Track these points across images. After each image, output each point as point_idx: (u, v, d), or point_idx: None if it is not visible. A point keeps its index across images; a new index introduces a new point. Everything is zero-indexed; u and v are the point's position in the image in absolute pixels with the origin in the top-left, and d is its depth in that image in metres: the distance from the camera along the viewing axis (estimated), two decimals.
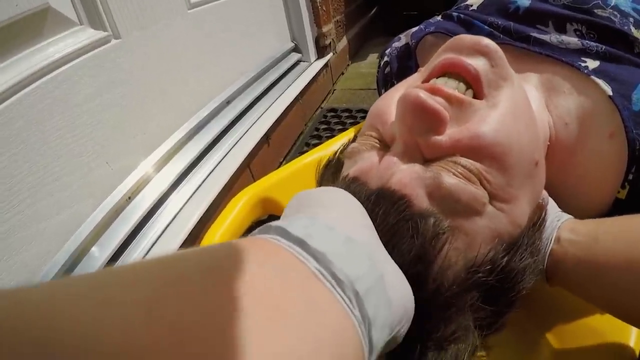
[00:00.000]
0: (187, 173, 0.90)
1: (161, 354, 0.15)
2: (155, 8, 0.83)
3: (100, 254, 0.68)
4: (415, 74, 0.47)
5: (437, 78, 0.41)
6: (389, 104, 0.42)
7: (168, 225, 0.79)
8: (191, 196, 0.86)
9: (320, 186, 0.45)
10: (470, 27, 0.62)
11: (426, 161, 0.37)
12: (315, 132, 1.39)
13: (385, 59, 0.74)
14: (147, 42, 0.81)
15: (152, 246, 0.75)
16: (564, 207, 0.45)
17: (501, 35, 0.58)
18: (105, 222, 0.71)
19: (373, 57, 2.01)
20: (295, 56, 1.52)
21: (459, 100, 0.38)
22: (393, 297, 0.25)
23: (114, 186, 0.74)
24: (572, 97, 0.49)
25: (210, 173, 0.93)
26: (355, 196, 0.33)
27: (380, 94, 0.76)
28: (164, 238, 0.77)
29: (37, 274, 0.61)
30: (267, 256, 0.22)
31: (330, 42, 1.64)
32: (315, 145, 1.20)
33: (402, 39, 0.74)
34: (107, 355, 0.14)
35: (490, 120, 0.37)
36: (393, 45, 0.74)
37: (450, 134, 0.37)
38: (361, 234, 0.28)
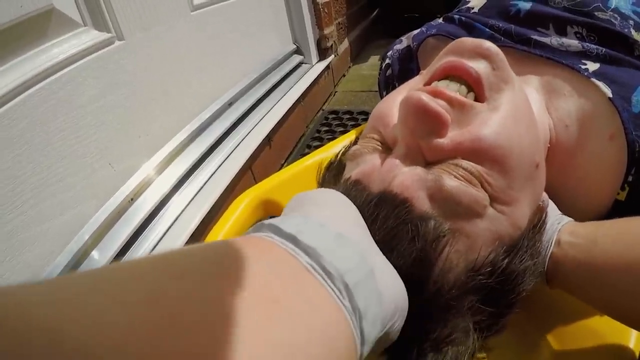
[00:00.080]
0: (189, 175, 0.90)
1: (164, 342, 0.16)
2: (159, 10, 0.84)
3: (102, 255, 0.68)
4: (417, 76, 0.47)
5: (438, 81, 0.41)
6: (391, 107, 0.42)
7: (170, 227, 0.79)
8: (193, 198, 0.86)
9: (321, 188, 0.46)
10: (471, 29, 0.62)
11: (428, 164, 0.37)
12: (317, 134, 1.39)
13: (387, 61, 0.74)
14: (150, 44, 0.82)
15: (154, 247, 0.75)
16: (564, 208, 0.45)
17: (502, 38, 0.58)
18: (107, 223, 0.71)
19: (374, 59, 2.02)
20: (297, 58, 1.52)
21: (460, 103, 0.38)
22: (384, 291, 0.26)
23: (117, 187, 0.75)
24: (572, 100, 0.50)
25: (212, 175, 0.93)
26: (357, 199, 0.33)
27: (381, 96, 0.76)
28: (166, 239, 0.77)
29: (40, 274, 0.61)
30: (261, 252, 0.23)
31: (331, 44, 1.65)
32: (317, 147, 1.21)
33: (404, 41, 0.74)
34: (110, 348, 0.14)
35: (491, 123, 0.37)
36: (394, 47, 0.74)
37: (451, 136, 0.37)
38: (353, 232, 0.28)
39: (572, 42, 0.53)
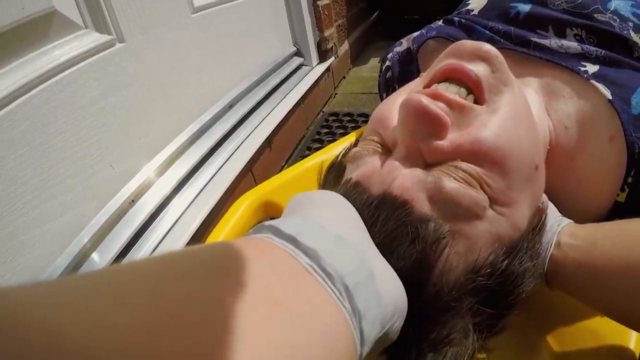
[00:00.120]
0: (190, 176, 0.90)
1: (165, 344, 0.16)
2: (159, 12, 0.84)
3: (103, 256, 0.68)
4: (417, 79, 0.48)
5: (438, 83, 0.41)
6: (391, 109, 0.43)
7: (171, 229, 0.79)
8: (194, 200, 0.86)
9: (321, 189, 0.46)
10: (471, 32, 0.62)
11: (427, 166, 0.37)
12: (317, 136, 1.39)
13: (387, 63, 0.75)
14: (151, 46, 0.82)
15: (154, 249, 0.75)
16: (564, 210, 0.45)
17: (502, 40, 0.58)
18: (108, 224, 0.71)
19: (374, 61, 2.02)
20: (297, 60, 1.52)
21: (460, 106, 0.38)
22: (383, 292, 0.26)
23: (118, 189, 0.75)
24: (572, 101, 0.50)
25: (213, 177, 0.93)
26: (357, 201, 0.33)
27: (381, 98, 0.76)
28: (166, 241, 0.77)
29: (41, 275, 0.61)
30: (262, 253, 0.23)
31: (332, 46, 1.65)
32: (317, 149, 1.21)
33: (404, 44, 0.74)
34: (111, 350, 0.14)
35: (491, 125, 0.37)
36: (394, 49, 0.75)
37: (451, 138, 0.37)
38: (352, 234, 0.28)
39: (572, 44, 0.53)
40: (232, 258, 0.22)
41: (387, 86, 0.75)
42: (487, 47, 0.41)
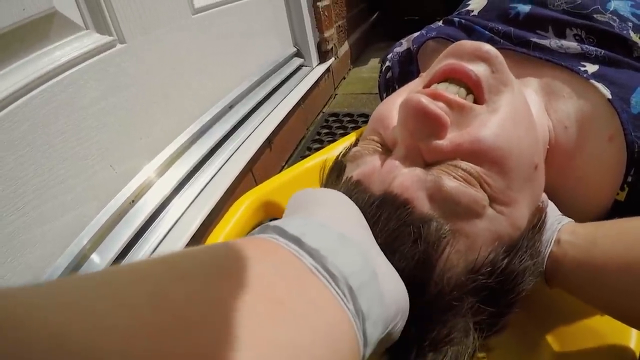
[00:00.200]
0: (190, 177, 0.90)
1: (167, 344, 0.16)
2: (160, 13, 0.84)
3: (103, 257, 0.68)
4: (417, 79, 0.48)
5: (438, 83, 0.41)
6: (390, 109, 0.43)
7: (171, 229, 0.79)
8: (194, 200, 0.86)
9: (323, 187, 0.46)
10: (471, 32, 0.62)
11: (427, 165, 0.37)
12: (317, 137, 1.39)
13: (387, 63, 0.75)
14: (152, 47, 0.82)
15: (154, 249, 0.75)
16: (564, 209, 0.45)
17: (501, 41, 0.58)
18: (108, 225, 0.71)
19: (374, 62, 2.02)
20: (297, 61, 1.53)
21: (459, 105, 0.38)
22: (386, 293, 0.26)
23: (118, 189, 0.75)
24: (571, 101, 0.50)
25: (213, 177, 0.93)
26: (358, 201, 0.33)
27: (381, 99, 0.76)
28: (166, 241, 0.77)
29: (41, 276, 0.61)
30: (265, 253, 0.23)
31: (332, 47, 1.65)
32: (317, 149, 1.21)
33: (404, 44, 0.74)
34: (113, 351, 0.14)
35: (490, 125, 0.37)
36: (394, 50, 0.75)
37: (451, 138, 0.37)
38: (355, 233, 0.28)
39: (571, 44, 0.53)
40: (234, 258, 0.22)
41: (387, 86, 0.75)
42: (487, 47, 0.41)
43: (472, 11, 0.66)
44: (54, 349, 0.13)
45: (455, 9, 0.75)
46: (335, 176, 0.45)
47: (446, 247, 0.33)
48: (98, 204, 0.71)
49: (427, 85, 0.42)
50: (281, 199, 0.67)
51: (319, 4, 1.52)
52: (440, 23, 0.69)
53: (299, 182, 0.69)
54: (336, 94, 1.74)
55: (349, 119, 1.47)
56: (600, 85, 0.48)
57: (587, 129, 0.48)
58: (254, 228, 0.66)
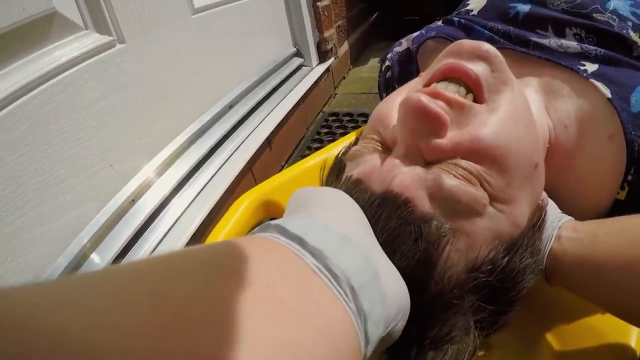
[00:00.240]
0: (190, 176, 0.90)
1: (168, 343, 0.15)
2: (160, 13, 0.84)
3: (103, 256, 0.68)
4: (417, 78, 0.48)
5: (437, 82, 0.41)
6: (390, 108, 0.43)
7: (171, 229, 0.79)
8: (194, 200, 0.86)
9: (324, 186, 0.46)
10: (470, 31, 0.62)
11: (427, 164, 0.37)
12: (317, 136, 1.39)
13: (387, 63, 0.75)
14: (151, 47, 0.82)
15: (154, 249, 0.75)
16: (564, 208, 0.45)
17: (501, 40, 0.58)
18: (108, 224, 0.71)
19: (374, 62, 2.02)
20: (297, 61, 1.53)
21: (459, 104, 0.38)
22: (388, 292, 0.26)
23: (118, 189, 0.75)
24: (571, 100, 0.50)
25: (213, 177, 0.93)
26: (358, 200, 0.33)
27: (381, 98, 0.76)
28: (166, 241, 0.77)
29: (41, 275, 0.61)
30: (267, 252, 0.23)
31: (331, 47, 1.65)
32: (317, 149, 1.21)
33: (404, 44, 0.74)
34: (114, 350, 0.14)
35: (490, 123, 0.37)
36: (394, 49, 0.75)
37: (451, 137, 0.37)
38: (356, 232, 0.28)
39: (571, 44, 0.53)
40: (235, 257, 0.22)
41: (387, 86, 0.75)
42: (487, 46, 0.41)
43: (472, 11, 0.66)
44: (54, 348, 0.13)
45: (454, 8, 0.75)
46: (335, 175, 0.45)
47: (446, 246, 0.33)
48: (98, 204, 0.71)
49: (427, 84, 0.42)
50: (281, 199, 0.67)
51: (318, 3, 1.52)
52: (439, 23, 0.69)
53: (299, 181, 0.69)
54: (336, 94, 1.74)
55: (348, 118, 1.47)
56: (600, 85, 0.48)
57: (587, 128, 0.48)
58: (253, 228, 0.66)
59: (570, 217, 0.43)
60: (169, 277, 0.19)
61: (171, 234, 0.78)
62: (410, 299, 0.30)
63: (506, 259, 0.35)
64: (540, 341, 0.44)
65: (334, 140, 1.24)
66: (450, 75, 0.41)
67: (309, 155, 0.78)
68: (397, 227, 0.32)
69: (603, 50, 0.51)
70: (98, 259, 0.68)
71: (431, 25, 0.70)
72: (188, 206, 0.84)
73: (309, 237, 0.24)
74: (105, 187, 0.72)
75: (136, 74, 0.78)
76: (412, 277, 0.30)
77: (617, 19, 0.53)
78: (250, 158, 1.03)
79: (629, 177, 0.45)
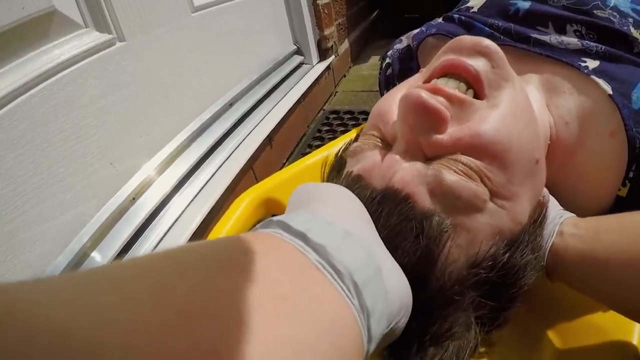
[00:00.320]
0: (191, 174, 0.90)
1: (171, 339, 0.15)
2: (160, 11, 0.84)
3: (103, 255, 0.68)
4: (417, 74, 0.48)
5: (438, 78, 0.41)
6: (390, 104, 0.43)
7: (171, 227, 0.79)
8: (194, 198, 0.86)
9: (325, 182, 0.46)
10: (471, 28, 0.62)
11: (427, 159, 0.37)
12: (318, 134, 1.39)
13: (387, 60, 0.75)
14: (151, 45, 0.82)
15: (155, 247, 0.75)
16: (565, 205, 0.45)
17: (502, 37, 0.58)
18: (108, 223, 0.71)
19: (374, 60, 2.02)
20: (297, 59, 1.52)
21: (459, 100, 0.38)
22: (390, 288, 0.26)
23: (118, 187, 0.75)
24: (572, 97, 0.50)
25: (214, 175, 0.93)
26: (359, 196, 0.33)
27: (382, 95, 0.76)
28: (167, 239, 0.77)
29: (41, 274, 0.61)
30: (270, 248, 0.23)
31: (332, 45, 1.65)
32: (318, 146, 1.21)
33: (404, 41, 0.74)
34: (115, 346, 0.14)
35: (490, 119, 0.37)
36: (395, 47, 0.75)
37: (451, 132, 0.37)
38: (359, 229, 0.28)
39: (572, 40, 0.53)
40: (237, 253, 0.22)
41: (388, 83, 0.75)
42: (487, 42, 0.41)
43: (472, 8, 0.66)
44: (55, 345, 0.13)
45: (455, 6, 0.74)
46: (335, 172, 0.45)
47: (447, 242, 0.33)
48: (98, 202, 0.71)
49: (427, 81, 0.42)
50: (282, 196, 0.67)
51: (318, 1, 1.52)
52: (440, 20, 0.69)
53: (300, 179, 0.69)
54: (336, 92, 1.73)
55: (349, 116, 1.46)
56: (601, 81, 0.47)
57: (588, 125, 0.48)
58: (254, 225, 0.66)
59: (572, 214, 0.43)
60: (170, 274, 0.19)
61: (172, 232, 0.78)
62: (412, 295, 0.30)
63: (507, 255, 0.35)
64: (541, 337, 0.44)
65: (334, 138, 1.24)
66: (451, 71, 0.41)
67: (309, 153, 0.78)
68: (398, 224, 0.32)
69: (604, 47, 0.51)
70: (99, 258, 0.68)
71: (431, 22, 0.70)
72: (189, 204, 0.84)
73: (311, 233, 0.24)
74: (105, 185, 0.72)
75: (136, 73, 0.78)
76: (413, 274, 0.30)
77: (617, 16, 0.53)
78: (251, 156, 1.03)
79: (631, 174, 0.45)
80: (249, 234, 0.24)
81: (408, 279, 0.30)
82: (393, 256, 0.30)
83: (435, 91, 0.38)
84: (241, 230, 0.62)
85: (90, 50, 0.68)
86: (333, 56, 1.68)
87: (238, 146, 1.04)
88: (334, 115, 1.50)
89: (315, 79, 1.49)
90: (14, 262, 0.56)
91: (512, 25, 0.58)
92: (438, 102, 0.37)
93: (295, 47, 1.54)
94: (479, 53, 0.40)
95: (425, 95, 0.36)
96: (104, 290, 0.17)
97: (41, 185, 0.60)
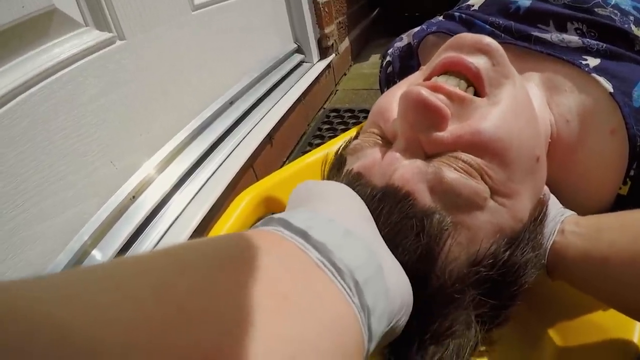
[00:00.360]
0: (191, 173, 0.90)
1: (171, 336, 0.15)
2: (160, 9, 0.84)
3: (104, 253, 0.68)
4: (417, 72, 0.48)
5: (438, 76, 0.41)
6: (390, 102, 0.43)
7: (172, 225, 0.79)
8: (195, 196, 0.86)
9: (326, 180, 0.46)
10: (471, 26, 0.62)
11: (428, 157, 0.37)
12: (318, 132, 1.39)
13: (388, 58, 0.75)
14: (151, 44, 0.82)
15: (155, 245, 0.75)
16: (566, 203, 0.45)
17: (502, 35, 0.58)
18: (109, 221, 0.71)
19: (375, 58, 2.02)
20: (298, 57, 1.52)
21: (460, 98, 0.38)
22: (391, 287, 0.26)
23: (118, 185, 0.75)
24: (573, 95, 0.50)
25: (214, 173, 0.93)
26: (359, 194, 0.33)
27: (382, 93, 0.76)
28: (167, 237, 0.77)
29: (42, 272, 0.61)
30: (271, 246, 0.23)
31: (332, 43, 1.65)
32: (318, 145, 1.21)
33: (404, 39, 0.74)
34: (116, 343, 0.14)
35: (491, 117, 0.37)
36: (395, 45, 0.75)
37: (451, 130, 0.37)
38: (360, 226, 0.28)
39: (573, 38, 0.53)
40: (238, 250, 0.22)
41: (388, 81, 0.75)
42: (488, 40, 0.41)
43: (473, 5, 0.66)
44: (56, 341, 0.13)
45: (455, 4, 0.74)
46: (336, 169, 0.45)
47: (448, 240, 0.33)
48: (98, 200, 0.71)
49: (427, 78, 0.42)
50: (282, 195, 0.67)
51: (319, 0, 1.52)
52: (440, 18, 0.69)
53: (300, 177, 0.69)
54: (337, 90, 1.73)
55: (349, 114, 1.46)
56: (601, 79, 0.47)
57: (589, 123, 0.48)
58: (255, 223, 0.66)
59: (573, 212, 0.43)
60: (171, 271, 0.19)
61: (172, 231, 0.78)
62: (412, 293, 0.30)
63: (507, 252, 0.35)
64: (542, 336, 0.44)
65: (335, 136, 1.23)
66: (451, 69, 0.41)
67: (310, 151, 0.78)
68: (398, 222, 0.32)
69: (605, 45, 0.51)
70: (99, 256, 0.68)
71: (432, 20, 0.70)
72: (189, 203, 0.84)
73: (312, 231, 0.24)
74: (105, 183, 0.72)
75: (136, 71, 0.78)
76: (413, 272, 0.30)
77: (618, 14, 0.53)
78: (252, 154, 1.03)
79: (631, 172, 0.45)
80: (249, 232, 0.24)
81: (408, 277, 0.30)
82: (393, 254, 0.30)
83: (436, 89, 0.38)
84: (241, 229, 0.62)
85: (90, 48, 0.68)
86: (333, 54, 1.68)
87: (238, 144, 1.04)
88: (335, 114, 1.50)
89: (316, 77, 1.49)
90: (14, 260, 0.56)
91: (513, 23, 0.58)
92: (438, 99, 0.36)
93: (296, 45, 1.53)
94: (479, 50, 0.40)
95: (426, 92, 0.36)
96: (104, 288, 0.17)
97: (42, 183, 0.60)
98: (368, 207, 0.32)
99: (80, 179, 0.66)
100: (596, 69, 0.49)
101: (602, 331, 0.42)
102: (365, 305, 0.23)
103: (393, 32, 1.08)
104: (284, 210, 0.32)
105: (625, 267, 0.35)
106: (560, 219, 0.41)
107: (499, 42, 0.41)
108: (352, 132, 0.78)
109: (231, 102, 1.11)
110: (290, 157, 1.30)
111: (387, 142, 0.41)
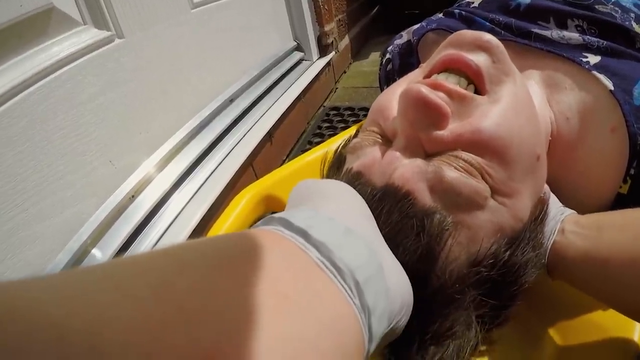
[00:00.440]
0: (190, 172, 0.90)
1: (170, 336, 0.15)
2: (159, 8, 0.84)
3: (103, 252, 0.68)
4: (417, 69, 0.47)
5: (438, 74, 0.41)
6: (390, 99, 0.42)
7: (171, 224, 0.79)
8: (194, 195, 0.86)
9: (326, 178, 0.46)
10: (471, 23, 0.62)
11: (428, 156, 0.37)
12: (318, 130, 1.39)
13: (387, 56, 0.74)
14: (150, 42, 0.81)
15: (155, 245, 0.75)
16: (566, 202, 0.45)
17: (503, 32, 0.58)
18: (108, 221, 0.71)
19: (375, 56, 2.01)
20: (297, 55, 1.52)
21: (460, 96, 0.38)
22: (392, 287, 0.26)
23: (117, 185, 0.75)
24: (573, 93, 0.49)
25: (213, 171, 0.93)
26: (359, 193, 0.33)
27: (382, 91, 0.76)
28: (166, 237, 0.77)
29: (41, 272, 0.61)
30: (271, 245, 0.23)
31: (332, 41, 1.65)
32: (318, 143, 1.21)
33: (404, 36, 0.74)
34: (115, 342, 0.14)
35: (491, 115, 0.37)
36: (395, 42, 0.74)
37: (451, 128, 0.37)
38: (360, 225, 0.28)
39: (573, 35, 0.53)
40: (239, 249, 0.22)
41: (388, 79, 0.74)
42: (488, 37, 0.40)
43: (473, 3, 0.65)
44: (54, 341, 0.13)
45: (455, 1, 0.74)
46: (335, 168, 0.45)
47: (448, 240, 0.33)
48: (97, 200, 0.71)
49: (427, 76, 0.42)
50: (282, 193, 0.66)
51: None
52: (440, 15, 0.69)
53: (300, 175, 0.69)
54: (337, 88, 1.73)
55: (349, 112, 1.46)
56: (602, 77, 0.47)
57: (589, 121, 0.48)
58: (254, 222, 0.66)
59: (573, 211, 0.43)
60: (170, 271, 0.19)
61: (171, 230, 0.78)
62: (413, 293, 0.30)
63: (508, 252, 0.35)
64: (542, 336, 0.44)
65: (335, 134, 1.23)
66: (451, 66, 0.40)
67: (310, 149, 0.78)
68: (399, 221, 0.32)
69: (605, 42, 0.50)
70: (98, 255, 0.68)
71: (432, 17, 0.70)
72: (188, 201, 0.84)
73: (313, 230, 0.24)
74: (104, 183, 0.72)
75: (135, 70, 0.77)
76: (414, 272, 0.30)
77: (619, 11, 0.53)
78: (251, 152, 1.03)
79: (632, 171, 0.45)
80: (249, 231, 0.24)
81: (409, 277, 0.29)
82: (394, 254, 0.30)
83: (436, 86, 0.38)
84: (241, 228, 0.62)
85: (89, 47, 0.68)
86: (333, 52, 1.67)
87: (238, 143, 1.04)
88: (334, 112, 1.49)
89: (316, 75, 1.49)
90: (13, 260, 0.56)
91: (513, 20, 0.58)
92: (438, 97, 0.36)
93: (296, 43, 1.53)
94: (479, 48, 0.40)
95: (426, 90, 0.36)
96: (103, 288, 0.16)
97: (41, 183, 0.60)
98: (369, 206, 0.32)
99: (79, 178, 0.66)
100: (596, 67, 0.49)
101: (602, 331, 0.42)
102: (365, 305, 0.23)
103: (393, 29, 1.08)
104: (283, 209, 0.32)
105: (625, 267, 0.35)
106: (560, 217, 0.41)
107: (499, 39, 0.41)
108: (352, 130, 0.78)
109: (231, 100, 1.11)
110: (290, 155, 1.30)
111: (387, 141, 0.40)
